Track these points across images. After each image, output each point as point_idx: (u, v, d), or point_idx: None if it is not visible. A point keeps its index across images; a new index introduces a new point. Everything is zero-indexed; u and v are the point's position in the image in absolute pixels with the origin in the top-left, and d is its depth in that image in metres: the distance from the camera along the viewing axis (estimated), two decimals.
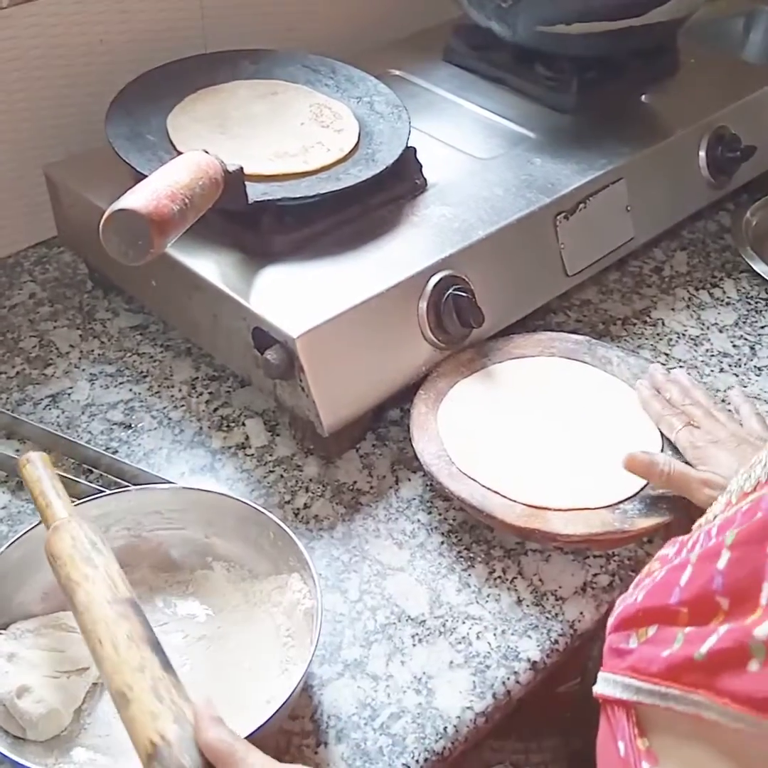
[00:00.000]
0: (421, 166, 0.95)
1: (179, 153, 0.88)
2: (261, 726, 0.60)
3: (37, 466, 0.71)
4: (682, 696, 0.49)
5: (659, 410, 0.84)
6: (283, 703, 0.61)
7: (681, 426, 0.81)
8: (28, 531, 0.71)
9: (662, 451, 0.81)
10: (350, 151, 0.93)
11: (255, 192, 0.84)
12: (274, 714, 0.60)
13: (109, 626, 0.58)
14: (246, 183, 0.82)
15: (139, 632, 0.58)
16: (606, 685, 0.56)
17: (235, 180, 0.80)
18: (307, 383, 0.79)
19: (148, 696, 0.54)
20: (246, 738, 0.59)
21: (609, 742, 0.55)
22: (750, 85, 1.17)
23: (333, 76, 1.04)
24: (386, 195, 0.92)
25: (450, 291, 0.85)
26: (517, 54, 1.12)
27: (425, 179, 0.95)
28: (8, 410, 0.90)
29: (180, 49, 1.04)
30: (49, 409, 0.91)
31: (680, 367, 0.96)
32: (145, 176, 0.75)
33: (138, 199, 0.66)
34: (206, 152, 0.78)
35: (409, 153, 0.94)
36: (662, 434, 0.82)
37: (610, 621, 0.59)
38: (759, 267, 1.07)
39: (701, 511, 0.61)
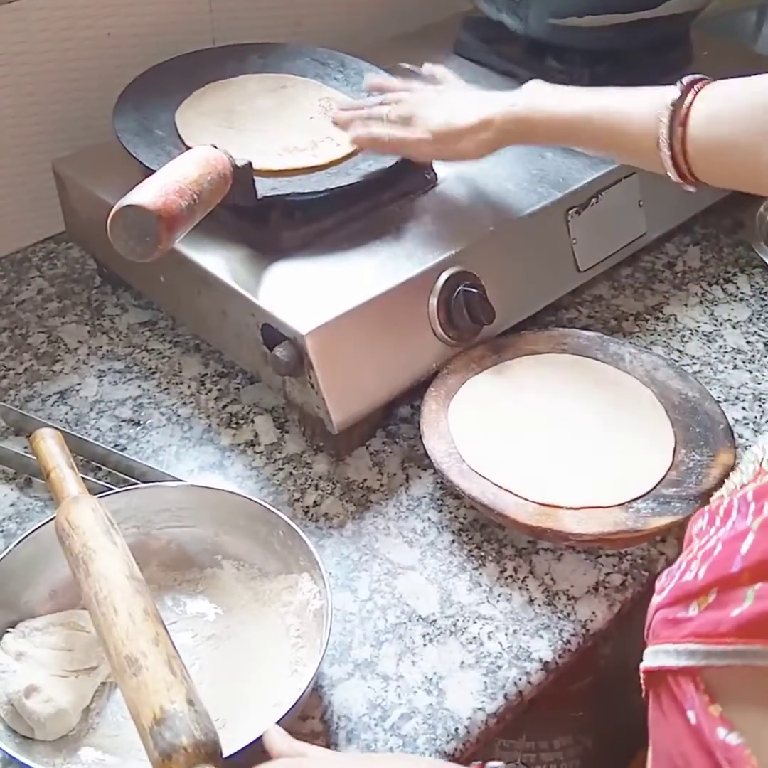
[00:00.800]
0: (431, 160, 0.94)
1: (188, 147, 0.87)
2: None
3: (51, 442, 0.72)
4: (763, 651, 0.48)
5: (357, 114, 0.92)
6: (294, 705, 0.61)
7: (386, 111, 0.88)
8: (36, 528, 0.70)
9: (675, 448, 0.80)
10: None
11: (264, 187, 0.83)
12: (284, 715, 0.60)
13: (127, 597, 0.59)
14: (255, 178, 0.81)
15: (154, 611, 0.59)
16: (665, 656, 0.54)
17: (243, 175, 0.79)
18: (316, 380, 0.78)
19: (163, 667, 0.54)
20: (257, 739, 0.59)
21: (673, 715, 0.53)
22: None
23: (342, 69, 1.03)
24: (396, 190, 0.92)
25: (460, 287, 0.84)
26: (528, 47, 1.11)
27: (435, 174, 0.94)
28: (17, 407, 0.89)
29: (188, 43, 1.03)
30: (58, 405, 0.91)
31: (693, 363, 0.95)
32: (153, 171, 0.74)
33: (146, 194, 0.65)
34: (215, 147, 0.77)
35: None
36: (675, 432, 0.82)
37: (660, 599, 0.58)
38: None
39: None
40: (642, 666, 0.58)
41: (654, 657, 0.56)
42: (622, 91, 0.80)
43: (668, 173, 0.76)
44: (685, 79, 0.74)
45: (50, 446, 0.73)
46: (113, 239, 0.66)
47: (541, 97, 0.84)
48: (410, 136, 0.86)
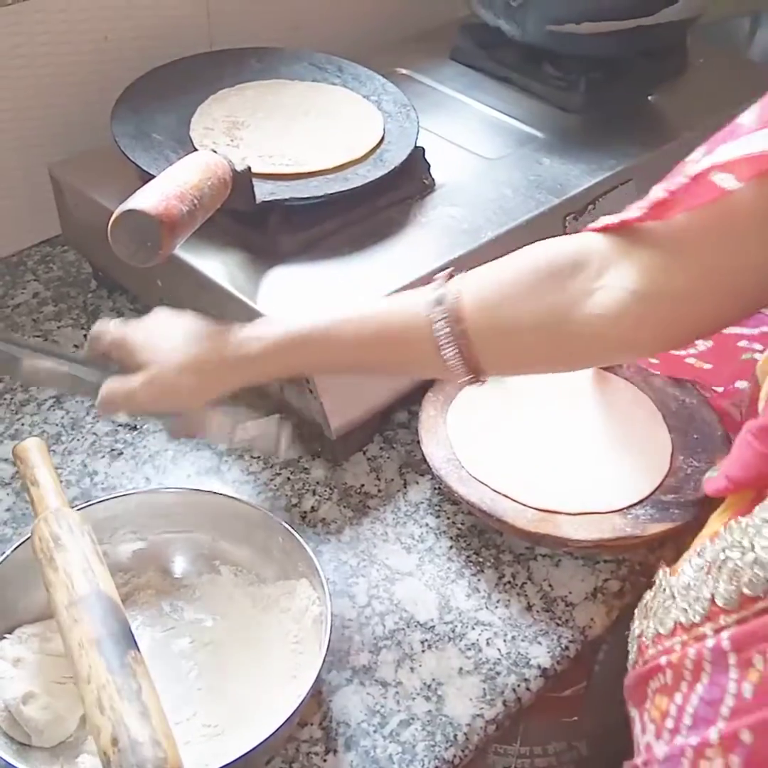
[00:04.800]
0: (429, 165, 0.94)
1: (187, 152, 0.87)
2: (271, 734, 0.59)
3: (32, 454, 0.71)
4: None
5: None
6: (294, 711, 0.60)
7: None
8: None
9: (673, 454, 0.81)
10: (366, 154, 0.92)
11: (262, 192, 0.83)
12: (284, 722, 0.60)
13: (66, 637, 0.58)
14: (254, 182, 0.81)
15: (88, 635, 0.57)
16: None
17: (243, 180, 0.79)
18: (315, 386, 0.78)
19: (93, 710, 0.54)
20: (255, 747, 0.58)
21: None
22: (758, 84, 1.14)
23: (340, 74, 1.03)
24: (394, 195, 0.92)
25: None
26: (525, 53, 1.11)
27: (433, 179, 0.94)
28: (12, 411, 0.89)
29: (186, 47, 1.03)
30: (54, 409, 0.90)
31: None
32: (151, 175, 0.74)
33: (147, 199, 0.65)
34: (215, 151, 0.77)
35: (418, 153, 0.93)
36: (673, 438, 0.82)
37: None
38: None
39: None
40: None
41: None
42: (372, 308, 0.68)
43: (456, 372, 0.65)
44: (438, 278, 0.66)
45: (34, 457, 0.71)
46: (114, 244, 0.65)
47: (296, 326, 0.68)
48: None
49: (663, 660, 0.53)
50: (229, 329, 0.68)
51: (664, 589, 0.58)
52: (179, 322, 0.70)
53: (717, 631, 0.50)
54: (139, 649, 0.57)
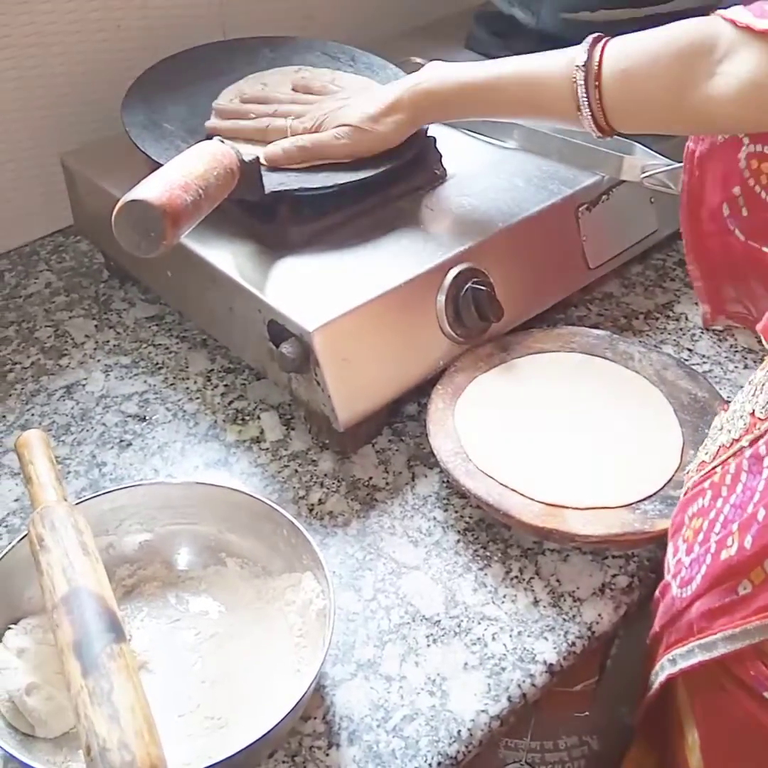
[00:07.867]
0: (440, 155, 0.93)
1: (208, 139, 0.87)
2: (273, 727, 0.59)
3: (30, 448, 0.70)
4: None
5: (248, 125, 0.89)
6: (295, 705, 0.60)
7: (287, 124, 0.88)
8: None
9: (684, 449, 0.80)
10: None
11: (271, 182, 0.82)
12: (286, 715, 0.60)
13: (55, 641, 0.57)
14: (262, 172, 0.80)
15: (65, 638, 0.56)
16: (726, 643, 0.54)
17: (251, 170, 0.78)
18: (322, 377, 0.78)
19: (75, 717, 0.53)
20: (258, 739, 0.58)
21: (741, 702, 0.54)
22: None
23: (353, 63, 1.02)
24: (405, 185, 0.91)
25: (469, 284, 0.83)
26: (539, 41, 1.08)
27: (445, 169, 0.94)
28: (23, 401, 0.89)
29: (198, 36, 1.03)
30: (64, 400, 0.90)
31: (703, 363, 0.94)
32: (161, 165, 0.74)
33: (151, 189, 0.65)
34: (222, 142, 0.76)
35: (429, 142, 0.92)
36: (683, 432, 0.81)
37: (690, 592, 0.57)
38: None
39: None
40: (684, 665, 0.56)
41: (714, 646, 0.55)
42: (527, 57, 0.81)
43: (589, 130, 0.78)
44: (588, 39, 0.76)
45: (31, 451, 0.70)
46: (118, 234, 0.65)
47: (447, 70, 0.84)
48: (326, 137, 0.85)
49: (706, 484, 0.59)
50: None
51: (714, 426, 0.65)
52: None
53: (754, 442, 0.57)
54: (122, 638, 0.56)
